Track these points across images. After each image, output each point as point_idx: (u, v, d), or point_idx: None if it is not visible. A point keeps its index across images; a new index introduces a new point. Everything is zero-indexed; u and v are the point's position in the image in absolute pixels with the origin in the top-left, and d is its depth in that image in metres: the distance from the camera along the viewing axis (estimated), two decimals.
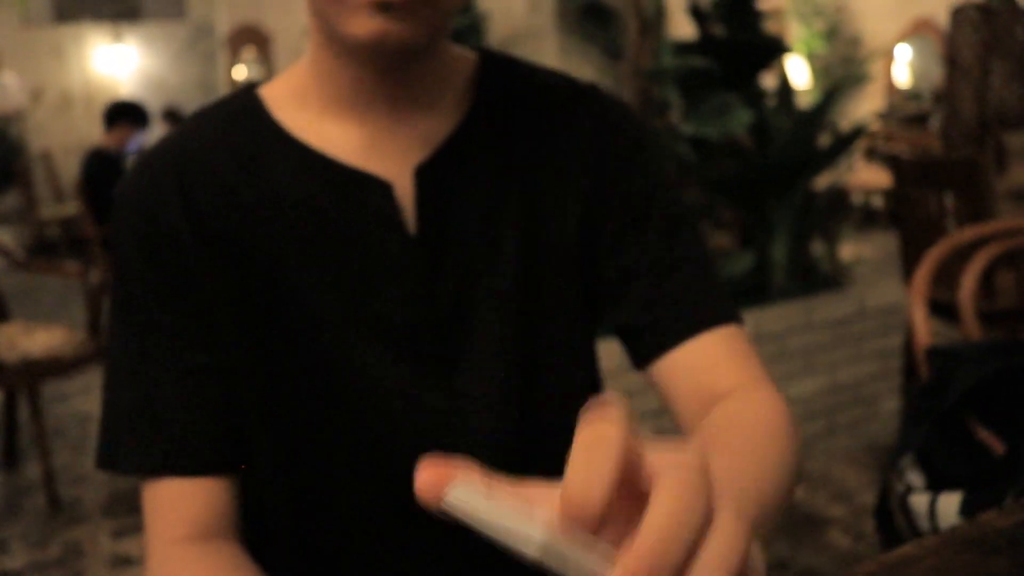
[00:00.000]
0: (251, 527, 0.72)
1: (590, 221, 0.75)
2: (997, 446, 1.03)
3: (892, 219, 5.33)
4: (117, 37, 8.79)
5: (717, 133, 2.50)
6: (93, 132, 8.54)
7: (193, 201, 0.68)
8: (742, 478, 0.58)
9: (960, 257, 1.29)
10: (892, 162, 3.19)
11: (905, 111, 7.48)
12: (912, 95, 7.94)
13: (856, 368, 2.82)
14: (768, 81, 3.20)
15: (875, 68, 7.77)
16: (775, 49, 2.73)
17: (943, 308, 2.49)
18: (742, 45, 2.49)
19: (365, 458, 0.71)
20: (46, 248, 7.58)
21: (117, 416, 0.69)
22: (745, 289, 2.76)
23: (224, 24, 7.70)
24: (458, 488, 0.37)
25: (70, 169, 8.22)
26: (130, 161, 4.73)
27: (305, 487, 0.72)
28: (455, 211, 0.71)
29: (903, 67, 8.09)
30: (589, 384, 0.82)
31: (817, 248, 2.99)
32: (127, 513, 2.69)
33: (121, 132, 4.86)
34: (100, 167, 4.61)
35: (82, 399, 3.82)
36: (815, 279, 2.87)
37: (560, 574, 0.35)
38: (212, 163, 0.69)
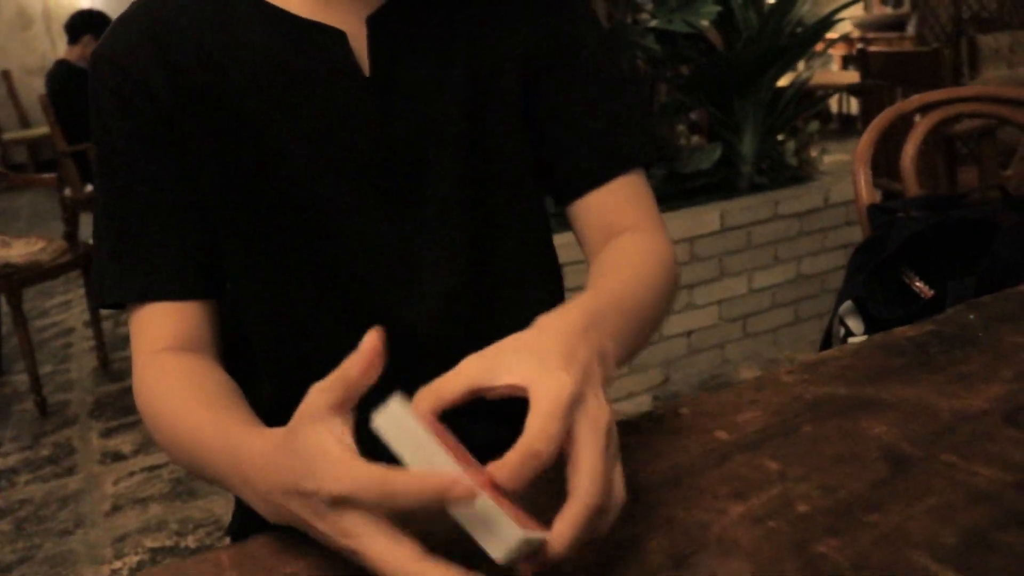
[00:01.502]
0: (231, 349, 0.79)
1: (528, 68, 0.81)
2: (926, 292, 1.11)
3: (866, 121, 5.34)
4: None
5: (684, 26, 2.51)
6: (54, 51, 8.36)
7: (167, 55, 0.73)
8: (624, 297, 0.68)
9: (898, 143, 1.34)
10: (860, 56, 3.22)
11: (883, 16, 7.45)
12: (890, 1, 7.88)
13: (821, 259, 2.91)
14: None
15: None
16: None
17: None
18: None
19: (329, 280, 0.78)
20: (15, 169, 7.49)
21: (103, 256, 0.76)
22: (714, 182, 2.81)
23: None
24: (390, 411, 0.44)
25: (32, 90, 8.06)
26: None
27: (277, 309, 0.80)
28: (405, 57, 0.77)
29: None
30: (540, 229, 0.88)
31: (787, 147, 3.03)
32: (115, 415, 2.77)
33: (86, 44, 4.72)
34: (67, 81, 4.49)
35: (63, 313, 3.86)
36: (782, 174, 2.93)
37: (466, 528, 0.43)
38: (183, 21, 0.74)
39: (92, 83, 0.75)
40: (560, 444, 0.47)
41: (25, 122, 7.69)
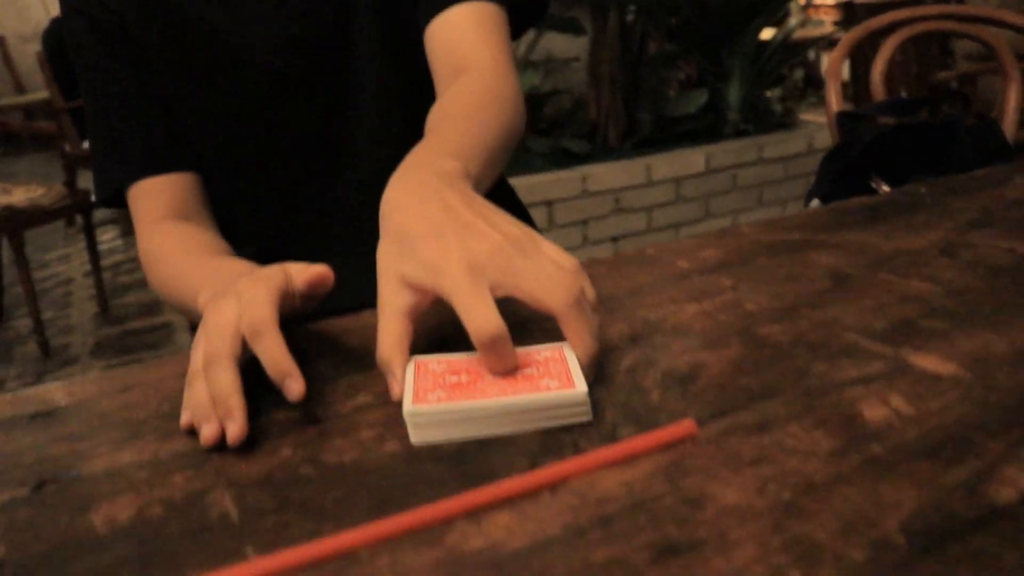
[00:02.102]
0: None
1: None
2: (885, 190, 1.18)
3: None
4: None
5: None
6: (48, 16, 8.33)
7: None
8: (470, 137, 0.65)
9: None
10: (847, 7, 3.28)
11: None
12: None
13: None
14: None
15: None
16: None
17: None
18: None
19: (280, 143, 0.88)
20: (9, 138, 7.50)
21: (98, 158, 0.86)
22: (701, 128, 2.87)
23: None
24: (413, 421, 0.45)
25: (26, 56, 8.04)
26: None
27: (231, 188, 0.90)
28: None
29: None
30: None
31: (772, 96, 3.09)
32: (116, 355, 2.83)
33: None
34: (63, 39, 4.50)
35: (63, 265, 3.91)
36: (767, 121, 2.98)
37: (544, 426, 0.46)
38: None
39: (63, 9, 0.86)
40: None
41: (20, 88, 7.68)
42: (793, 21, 3.23)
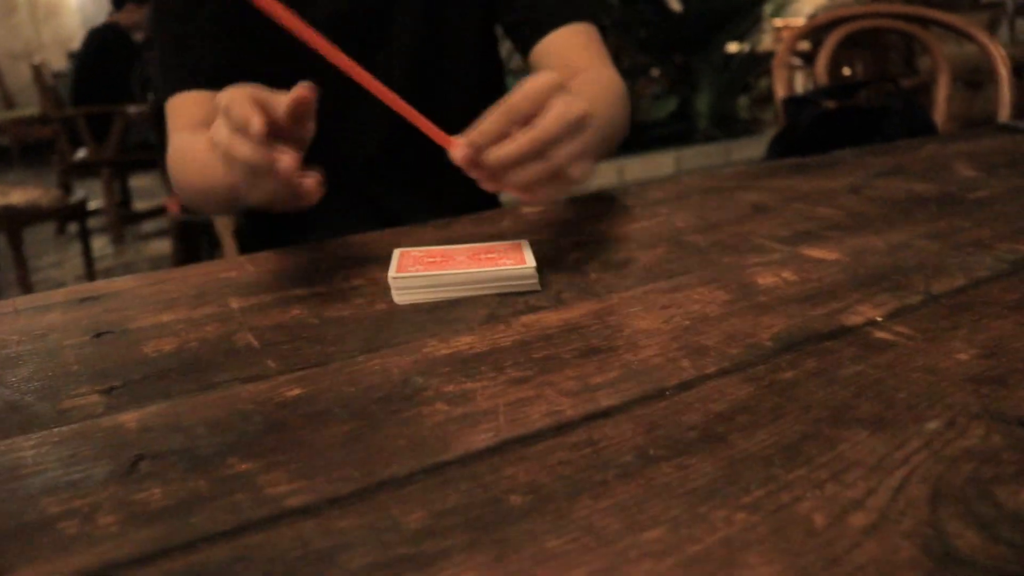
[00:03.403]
0: None
1: None
2: None
3: None
4: None
5: None
6: (38, 36, 8.43)
7: None
8: (595, 98, 0.81)
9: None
10: (810, 20, 3.43)
11: (845, 2, 7.70)
12: None
13: None
14: None
15: None
16: None
17: None
18: None
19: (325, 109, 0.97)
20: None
21: (160, 73, 0.95)
22: (672, 133, 3.00)
23: None
24: (398, 291, 0.54)
25: (17, 75, 8.12)
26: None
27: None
28: None
29: None
30: (492, 86, 1.07)
31: (740, 103, 3.23)
32: None
33: (132, 12, 4.73)
34: (111, 40, 4.49)
35: (56, 271, 3.99)
36: (735, 127, 3.12)
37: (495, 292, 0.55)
38: None
39: None
40: (531, 102, 0.55)
41: (10, 105, 7.76)
42: (765, 36, 3.39)
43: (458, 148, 0.56)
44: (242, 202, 0.69)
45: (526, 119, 0.55)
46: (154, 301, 0.62)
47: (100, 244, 4.32)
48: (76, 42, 8.57)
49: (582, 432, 0.38)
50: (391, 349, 0.49)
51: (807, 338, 0.48)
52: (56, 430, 0.42)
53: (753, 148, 2.93)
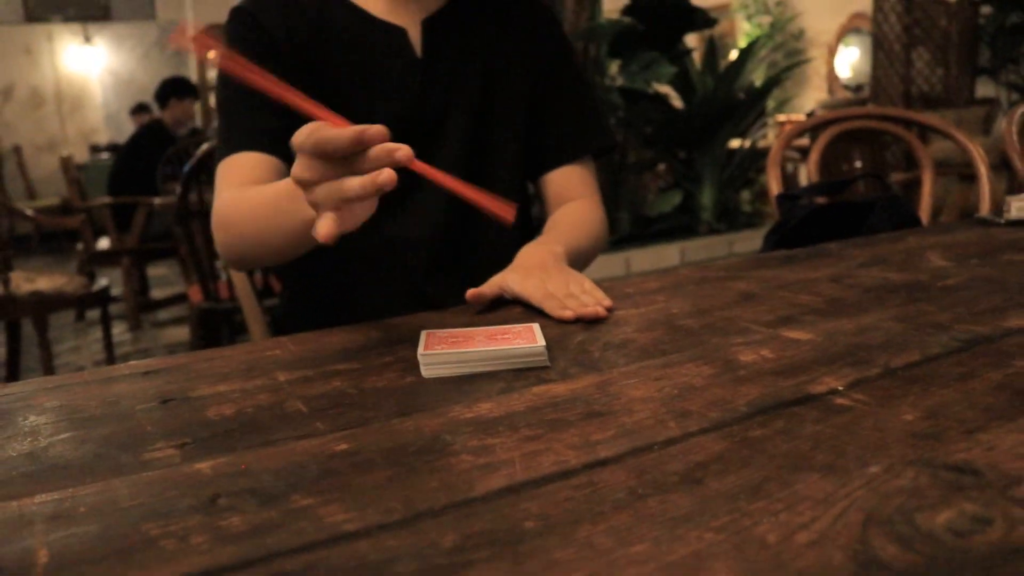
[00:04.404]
0: None
1: (531, 71, 1.16)
2: None
3: None
4: (87, 39, 9.01)
5: (645, 85, 2.86)
6: (63, 128, 8.75)
7: (289, 22, 1.06)
8: (570, 238, 1.05)
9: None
10: (805, 119, 3.59)
11: (844, 100, 7.96)
12: (852, 86, 8.43)
13: None
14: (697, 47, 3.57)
15: (818, 63, 8.25)
16: (697, 14, 3.10)
17: None
18: (667, 8, 2.86)
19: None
20: (19, 241, 7.76)
21: (220, 135, 1.05)
22: (676, 226, 3.12)
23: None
24: (427, 365, 0.69)
25: (41, 166, 8.41)
26: (183, 137, 4.88)
27: None
28: (445, 50, 1.10)
29: (844, 62, 8.57)
30: (521, 185, 1.20)
31: (743, 196, 3.35)
32: None
33: (175, 108, 4.98)
34: (155, 136, 4.73)
35: (73, 355, 4.09)
36: (738, 220, 3.24)
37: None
38: (299, 5, 1.07)
39: (230, 24, 1.07)
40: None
41: (32, 195, 8.01)
42: (769, 132, 3.53)
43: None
44: (303, 240, 0.78)
45: None
46: (210, 374, 0.70)
47: (118, 331, 4.43)
48: (99, 135, 8.89)
49: (583, 477, 0.46)
50: (422, 413, 0.58)
51: (777, 404, 0.56)
52: (143, 475, 0.50)
53: (754, 240, 3.04)
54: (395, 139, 1.05)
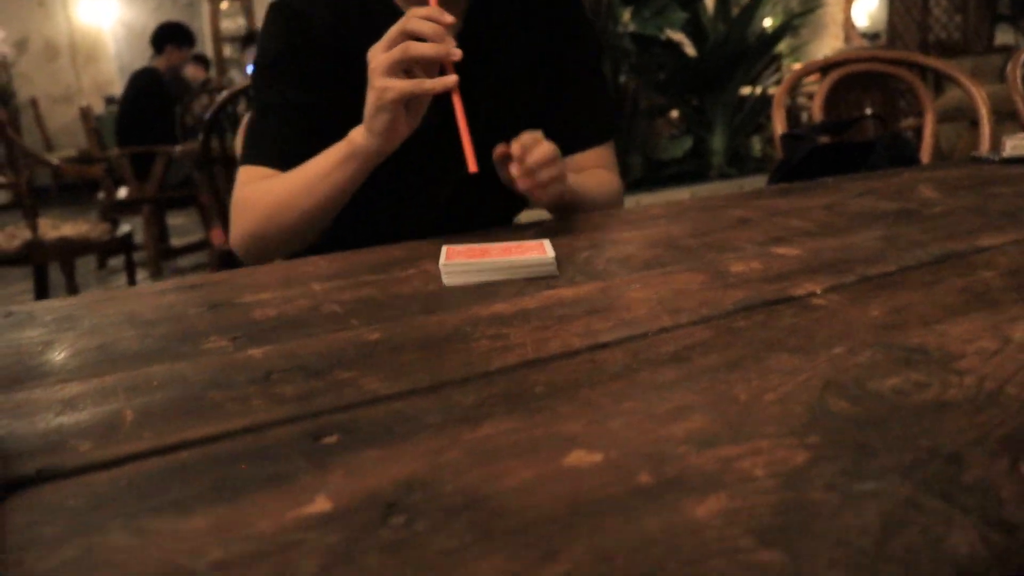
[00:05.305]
0: None
1: (554, 61, 1.19)
2: None
3: None
4: None
5: (657, 30, 2.89)
6: (78, 80, 8.79)
7: (336, 17, 1.08)
8: (580, 179, 1.08)
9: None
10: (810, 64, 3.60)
11: (861, 47, 7.89)
12: (869, 34, 8.35)
13: None
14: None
15: (835, 10, 8.18)
16: None
17: None
18: None
19: (402, 186, 1.11)
20: (38, 192, 7.86)
21: (248, 135, 1.09)
22: (688, 171, 3.16)
23: None
24: (448, 272, 0.77)
25: (57, 118, 8.47)
26: (179, 82, 4.88)
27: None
28: (484, 41, 1.13)
29: (861, 9, 8.49)
30: None
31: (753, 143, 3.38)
32: None
33: (171, 55, 4.97)
34: (149, 84, 4.73)
35: None
36: (748, 165, 3.28)
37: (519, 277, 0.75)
38: (344, 4, 1.10)
39: (268, 20, 1.09)
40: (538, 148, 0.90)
41: (49, 147, 8.08)
42: (771, 79, 3.55)
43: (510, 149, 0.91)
44: (332, 204, 0.86)
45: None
46: (251, 285, 0.78)
47: (139, 278, 4.52)
48: (114, 87, 8.92)
49: (586, 356, 0.53)
50: (445, 312, 0.65)
51: (760, 303, 0.63)
52: (202, 360, 0.57)
53: (764, 184, 3.08)
54: (429, 124, 1.11)
